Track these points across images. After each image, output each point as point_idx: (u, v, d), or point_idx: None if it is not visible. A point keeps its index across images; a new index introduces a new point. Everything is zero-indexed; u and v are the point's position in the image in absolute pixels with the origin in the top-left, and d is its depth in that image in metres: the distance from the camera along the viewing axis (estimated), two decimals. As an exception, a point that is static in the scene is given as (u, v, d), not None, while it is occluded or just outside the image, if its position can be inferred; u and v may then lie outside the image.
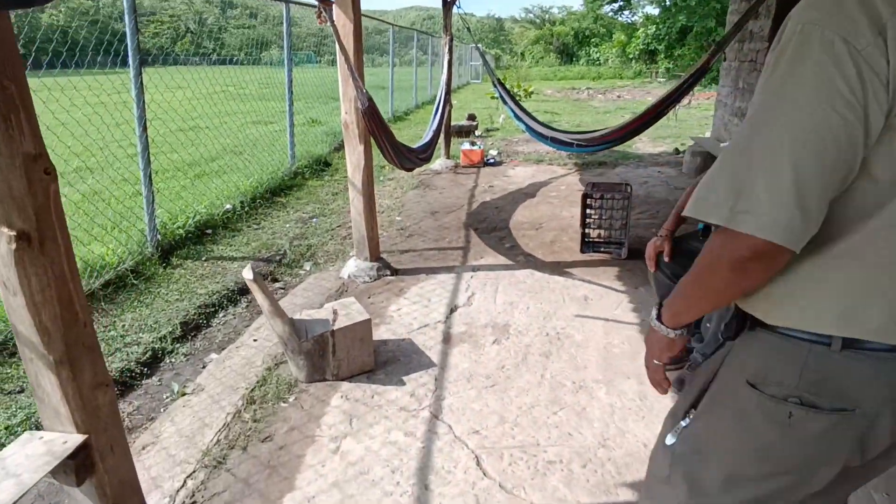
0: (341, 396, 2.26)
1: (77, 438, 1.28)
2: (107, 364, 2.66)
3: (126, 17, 3.25)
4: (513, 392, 2.27)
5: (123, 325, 2.90)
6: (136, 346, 2.72)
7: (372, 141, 3.22)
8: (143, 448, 2.04)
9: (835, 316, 0.78)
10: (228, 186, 5.03)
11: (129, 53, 3.26)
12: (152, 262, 3.56)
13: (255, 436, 2.05)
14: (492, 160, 6.89)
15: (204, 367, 2.65)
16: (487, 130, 9.49)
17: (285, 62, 5.56)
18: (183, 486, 1.82)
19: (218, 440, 2.03)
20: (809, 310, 0.80)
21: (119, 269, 3.32)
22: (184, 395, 2.37)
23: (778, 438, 0.84)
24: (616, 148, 5.46)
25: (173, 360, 2.72)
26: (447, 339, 2.72)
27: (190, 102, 5.68)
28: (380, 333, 2.77)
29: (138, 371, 2.58)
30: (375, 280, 3.41)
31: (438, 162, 6.62)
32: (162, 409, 2.33)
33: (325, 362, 2.33)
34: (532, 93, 13.94)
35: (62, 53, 3.55)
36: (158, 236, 3.70)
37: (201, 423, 2.13)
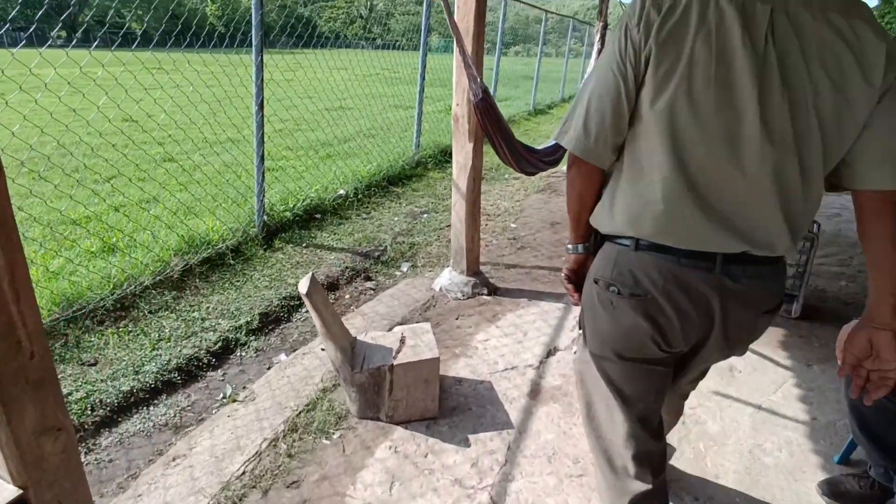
0: (390, 447, 1.88)
1: (11, 492, 1.04)
2: (178, 349, 2.66)
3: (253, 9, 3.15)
4: (606, 492, 1.70)
5: (208, 308, 2.83)
6: (211, 333, 2.62)
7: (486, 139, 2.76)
8: (174, 460, 1.85)
9: (628, 223, 1.09)
10: (346, 172, 4.93)
11: (253, 34, 3.17)
12: (255, 242, 3.51)
13: (283, 477, 1.75)
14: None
15: (269, 369, 2.45)
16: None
17: (421, 45, 5.30)
18: (189, 525, 1.57)
19: (244, 472, 1.77)
20: (616, 218, 1.11)
21: (220, 247, 3.30)
22: (234, 401, 2.17)
23: (609, 316, 1.16)
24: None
25: (243, 353, 2.57)
26: (535, 392, 2.20)
27: (345, 83, 5.86)
28: (457, 368, 2.34)
29: (205, 361, 2.45)
30: (468, 298, 2.98)
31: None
32: (213, 411, 2.16)
33: (380, 400, 1.96)
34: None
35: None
36: (265, 217, 3.65)
37: (235, 444, 1.89)
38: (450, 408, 2.08)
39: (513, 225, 4.25)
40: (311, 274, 1.89)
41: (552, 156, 3.60)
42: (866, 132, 0.97)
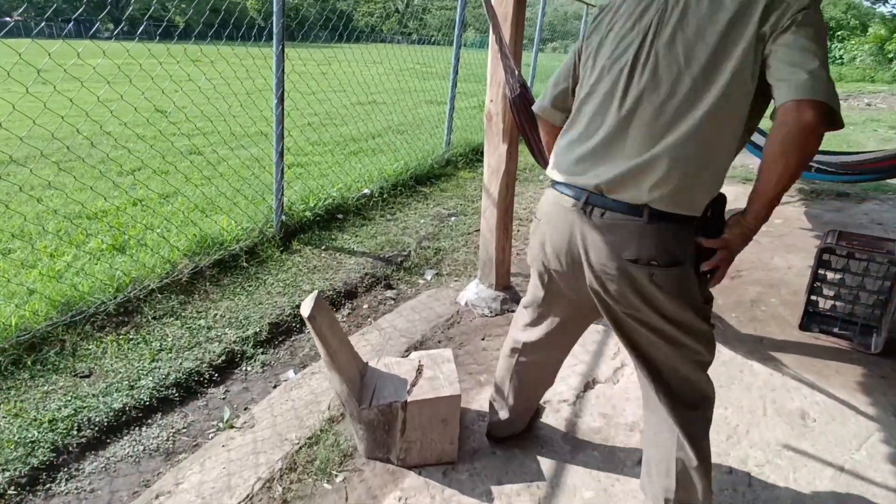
0: (399, 498, 1.62)
1: None
2: (179, 361, 2.21)
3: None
4: (656, 574, 1.40)
5: (215, 315, 2.63)
6: (216, 344, 2.42)
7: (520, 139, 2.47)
8: (156, 498, 1.64)
9: (552, 166, 1.35)
10: (371, 170, 4.70)
11: (274, 22, 2.95)
12: (272, 244, 3.31)
13: (274, 530, 1.51)
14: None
15: (275, 387, 2.23)
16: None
17: (455, 37, 5.02)
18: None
19: (231, 520, 1.54)
20: (551, 165, 1.36)
21: (233, 248, 3.10)
22: (231, 427, 1.95)
23: (534, 237, 1.42)
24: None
25: (248, 368, 2.35)
26: (571, 432, 1.90)
27: (378, 77, 5.74)
28: (481, 400, 2.06)
29: (207, 377, 2.25)
30: (496, 315, 2.69)
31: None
32: (210, 435, 1.95)
33: (390, 440, 1.70)
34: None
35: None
36: (283, 217, 3.45)
37: (226, 483, 1.67)
38: (471, 450, 1.81)
39: (547, 232, 3.94)
40: (315, 293, 1.64)
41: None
42: (769, 64, 1.07)
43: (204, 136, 5.42)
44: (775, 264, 3.44)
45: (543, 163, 2.62)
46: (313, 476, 1.69)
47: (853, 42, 29.53)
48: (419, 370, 1.78)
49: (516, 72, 2.14)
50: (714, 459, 1.80)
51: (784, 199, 4.79)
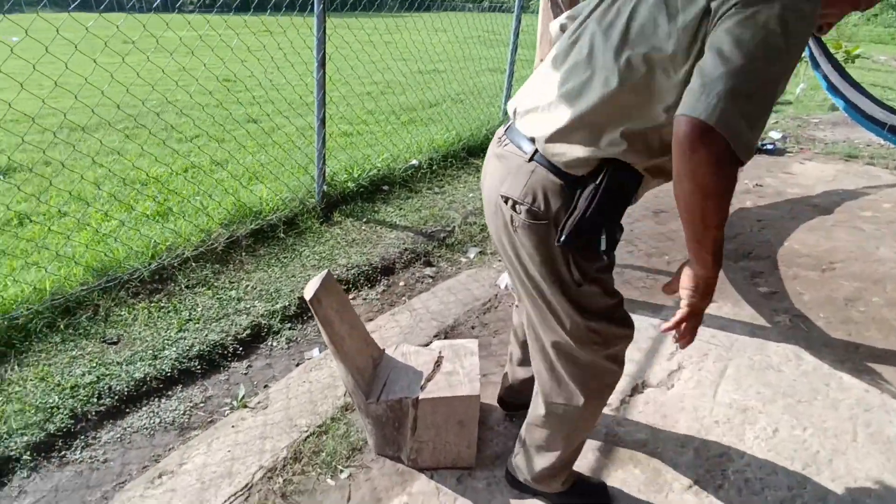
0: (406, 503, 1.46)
1: None
2: (205, 333, 2.14)
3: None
4: None
5: (247, 286, 2.57)
6: (243, 317, 2.35)
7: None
8: (159, 477, 1.57)
9: None
10: (420, 140, 4.49)
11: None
12: (312, 215, 3.21)
13: (268, 526, 1.40)
14: (769, 145, 4.97)
15: (297, 365, 2.13)
16: (774, 103, 7.14)
17: (515, 5, 4.65)
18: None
19: (226, 510, 1.44)
20: None
21: (271, 218, 3.03)
22: (245, 407, 1.87)
23: None
24: None
25: (273, 343, 2.27)
26: (611, 447, 1.66)
27: (443, 46, 5.58)
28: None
29: (231, 350, 2.19)
30: (540, 302, 2.44)
31: (690, 139, 5.03)
32: (226, 413, 1.88)
33: (400, 438, 1.54)
34: (857, 56, 10.24)
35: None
36: (325, 187, 3.33)
37: (228, 469, 1.58)
38: (492, 455, 1.62)
39: (607, 211, 3.59)
40: (325, 272, 1.48)
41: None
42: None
43: (259, 106, 5.43)
44: (880, 255, 2.93)
45: None
46: (317, 469, 1.57)
47: None
48: (438, 363, 1.59)
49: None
50: (784, 494, 1.50)
51: (892, 179, 4.12)
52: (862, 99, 3.15)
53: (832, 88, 3.24)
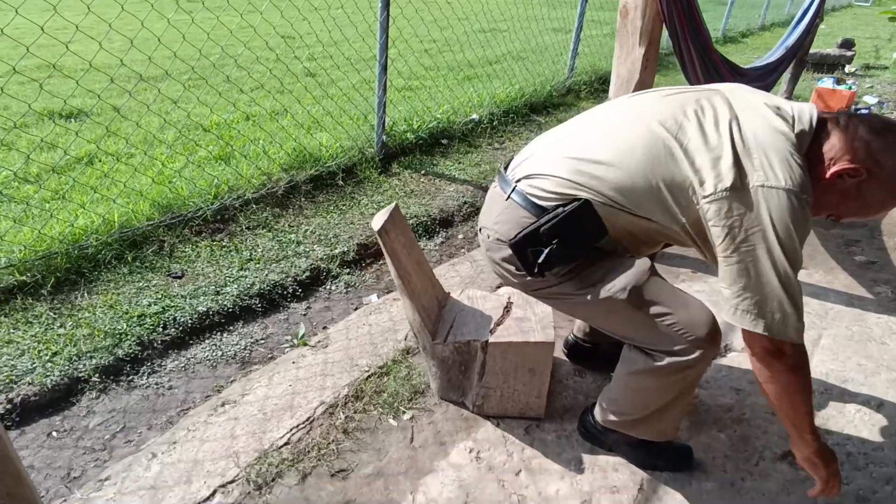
0: (471, 450, 1.39)
1: None
2: (265, 273, 2.11)
3: None
4: None
5: (306, 231, 2.54)
6: (303, 259, 2.32)
7: (665, 51, 1.96)
8: (222, 405, 1.57)
9: None
10: (482, 95, 4.31)
11: None
12: (370, 165, 3.14)
13: (330, 461, 1.36)
14: (864, 110, 4.51)
15: (355, 309, 2.09)
16: (868, 68, 6.50)
17: None
18: None
19: (287, 441, 1.42)
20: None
21: (330, 165, 2.98)
22: (305, 345, 1.84)
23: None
24: None
25: (332, 287, 2.24)
26: (694, 410, 1.53)
27: (506, 4, 5.33)
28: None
29: (290, 291, 2.17)
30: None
31: (772, 102, 4.63)
32: (286, 350, 1.86)
33: (466, 383, 1.46)
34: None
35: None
36: (385, 138, 3.25)
37: (289, 402, 1.55)
38: (561, 408, 1.52)
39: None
40: (393, 204, 1.40)
41: (763, 80, 2.63)
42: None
43: (317, 62, 5.37)
44: None
45: (696, 80, 2.11)
46: (379, 409, 1.52)
47: None
48: (507, 308, 1.50)
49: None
50: (891, 470, 1.34)
51: None
52: None
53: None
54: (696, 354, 1.11)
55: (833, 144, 1.01)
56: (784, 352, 1.00)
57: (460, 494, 1.27)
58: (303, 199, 2.79)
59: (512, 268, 1.20)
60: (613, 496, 1.27)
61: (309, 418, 1.49)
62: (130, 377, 1.73)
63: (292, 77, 5.07)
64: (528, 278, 1.18)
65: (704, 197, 0.99)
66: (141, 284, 2.09)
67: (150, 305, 1.98)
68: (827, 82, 4.51)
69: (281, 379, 1.66)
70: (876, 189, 1.00)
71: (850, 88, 4.44)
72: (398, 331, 1.87)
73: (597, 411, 1.34)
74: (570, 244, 1.10)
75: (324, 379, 1.64)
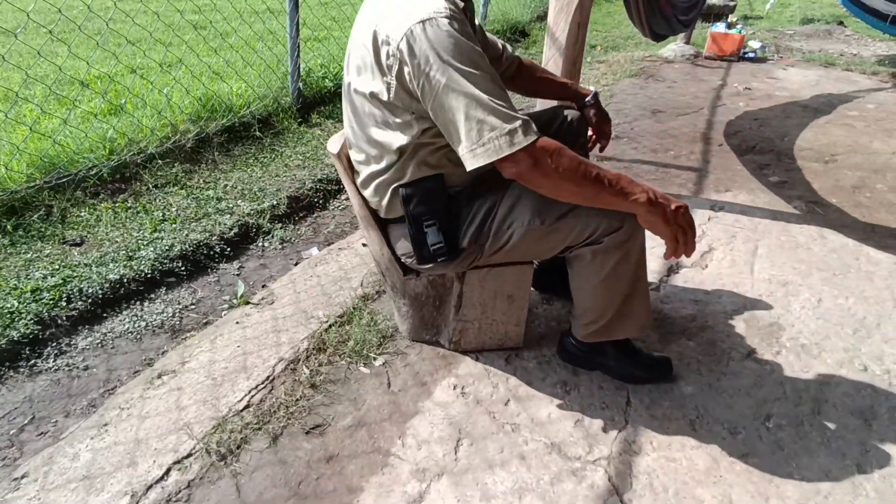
0: (455, 386, 1.31)
1: None
2: (185, 233, 1.79)
3: None
4: (785, 480, 1.09)
5: (226, 186, 2.27)
6: (227, 216, 2.07)
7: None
8: (159, 377, 1.35)
9: None
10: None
11: None
12: (288, 115, 2.87)
13: (301, 417, 1.22)
14: (751, 54, 4.87)
15: (296, 264, 1.90)
16: (745, 18, 7.04)
17: None
18: (148, 488, 1.08)
19: (248, 404, 1.25)
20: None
21: (244, 115, 2.67)
22: (247, 303, 1.64)
23: None
24: None
25: (265, 244, 2.02)
26: (660, 323, 1.55)
27: None
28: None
29: (218, 250, 1.92)
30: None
31: (671, 46, 4.86)
32: (223, 313, 1.65)
33: (441, 319, 1.37)
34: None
35: None
36: (300, 85, 2.97)
37: (241, 364, 1.37)
38: (536, 335, 1.48)
39: (603, 111, 3.40)
40: (341, 132, 1.24)
41: (688, 14, 2.69)
42: None
43: (204, 14, 4.81)
44: (875, 148, 2.92)
45: (636, 13, 2.09)
46: (347, 358, 1.39)
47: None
48: (476, 237, 1.41)
49: None
50: (843, 356, 1.44)
51: (876, 84, 4.13)
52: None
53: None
54: (624, 222, 1.09)
55: None
56: (534, 159, 0.96)
57: (452, 432, 1.18)
58: (216, 153, 2.49)
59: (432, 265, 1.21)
60: (604, 412, 1.25)
61: (269, 377, 1.32)
62: (32, 361, 1.44)
63: (181, 28, 4.52)
64: (448, 261, 1.18)
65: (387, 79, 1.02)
66: (29, 256, 1.75)
67: (45, 278, 1.66)
68: (720, 27, 4.80)
69: (226, 341, 1.46)
70: None
71: (740, 32, 4.76)
72: (352, 279, 1.72)
73: (574, 329, 1.30)
74: (434, 211, 1.13)
75: (278, 335, 1.47)
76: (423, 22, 0.95)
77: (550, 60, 2.11)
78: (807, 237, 2.01)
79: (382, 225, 1.25)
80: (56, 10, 2.43)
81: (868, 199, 2.38)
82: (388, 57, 1.00)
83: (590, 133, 1.46)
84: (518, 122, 0.95)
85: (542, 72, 1.48)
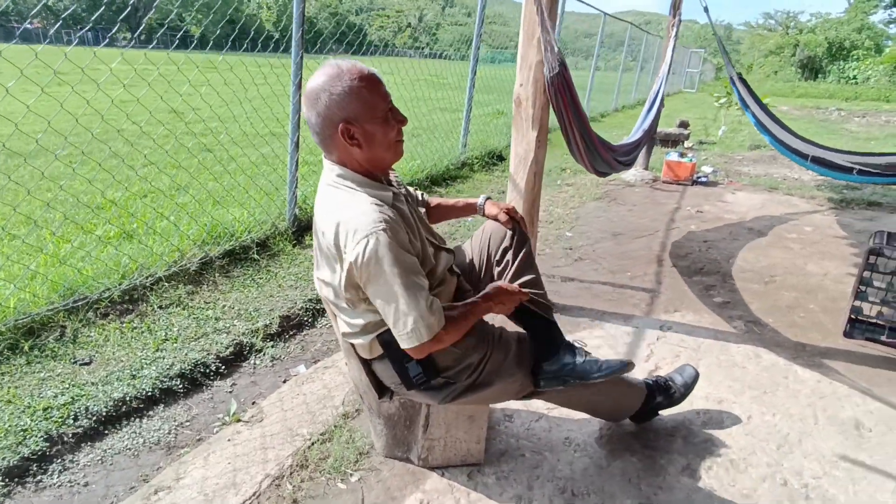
0: (421, 501, 1.46)
1: None
2: (185, 352, 2.05)
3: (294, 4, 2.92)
4: None
5: (224, 306, 2.51)
6: (224, 336, 2.29)
7: (552, 130, 2.35)
8: (155, 493, 1.49)
9: None
10: (388, 167, 4.58)
11: (293, 37, 2.93)
12: (284, 237, 3.19)
13: (283, 532, 1.36)
14: (703, 178, 5.46)
15: (284, 382, 2.09)
16: (701, 143, 7.85)
17: (473, 49, 4.96)
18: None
19: (236, 519, 1.39)
20: None
21: (244, 239, 2.99)
22: (238, 421, 1.81)
23: None
24: (912, 185, 3.73)
25: (257, 362, 2.22)
26: (606, 438, 1.74)
27: (395, 86, 5.71)
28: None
29: (213, 369, 2.12)
30: (521, 313, 2.54)
31: (633, 172, 5.44)
32: (215, 430, 1.81)
33: (411, 437, 1.55)
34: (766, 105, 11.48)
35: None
36: (297, 210, 3.33)
37: (231, 480, 1.52)
38: (497, 452, 1.66)
39: (568, 234, 3.79)
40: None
41: (628, 155, 3.15)
42: None
43: (214, 136, 5.36)
44: (809, 270, 3.27)
45: (580, 157, 2.50)
46: (326, 474, 1.55)
47: (868, 63, 29.46)
48: (443, 362, 1.64)
49: (555, 47, 2.02)
50: (766, 470, 1.63)
51: (813, 208, 4.64)
52: (785, 134, 3.56)
53: (760, 125, 3.66)
54: (524, 386, 1.51)
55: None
56: (437, 339, 1.24)
57: (417, 545, 1.33)
58: (217, 275, 2.76)
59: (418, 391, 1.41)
60: (554, 525, 1.41)
61: (255, 493, 1.47)
62: (38, 477, 1.58)
63: (186, 153, 5.00)
64: (432, 393, 1.40)
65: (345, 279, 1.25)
66: (42, 375, 1.93)
67: (56, 396, 1.83)
68: (673, 156, 5.41)
69: (218, 458, 1.62)
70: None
71: (691, 161, 5.37)
72: (334, 397, 1.91)
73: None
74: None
75: (265, 452, 1.63)
76: (367, 237, 1.15)
77: (513, 202, 2.48)
78: (743, 356, 2.27)
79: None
80: (88, 132, 2.80)
81: (802, 319, 2.67)
82: (340, 257, 1.22)
83: (504, 220, 1.59)
84: (433, 319, 1.21)
85: (444, 203, 1.71)
